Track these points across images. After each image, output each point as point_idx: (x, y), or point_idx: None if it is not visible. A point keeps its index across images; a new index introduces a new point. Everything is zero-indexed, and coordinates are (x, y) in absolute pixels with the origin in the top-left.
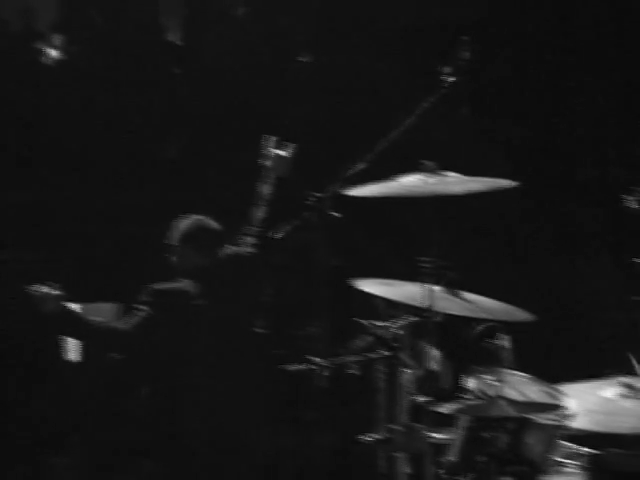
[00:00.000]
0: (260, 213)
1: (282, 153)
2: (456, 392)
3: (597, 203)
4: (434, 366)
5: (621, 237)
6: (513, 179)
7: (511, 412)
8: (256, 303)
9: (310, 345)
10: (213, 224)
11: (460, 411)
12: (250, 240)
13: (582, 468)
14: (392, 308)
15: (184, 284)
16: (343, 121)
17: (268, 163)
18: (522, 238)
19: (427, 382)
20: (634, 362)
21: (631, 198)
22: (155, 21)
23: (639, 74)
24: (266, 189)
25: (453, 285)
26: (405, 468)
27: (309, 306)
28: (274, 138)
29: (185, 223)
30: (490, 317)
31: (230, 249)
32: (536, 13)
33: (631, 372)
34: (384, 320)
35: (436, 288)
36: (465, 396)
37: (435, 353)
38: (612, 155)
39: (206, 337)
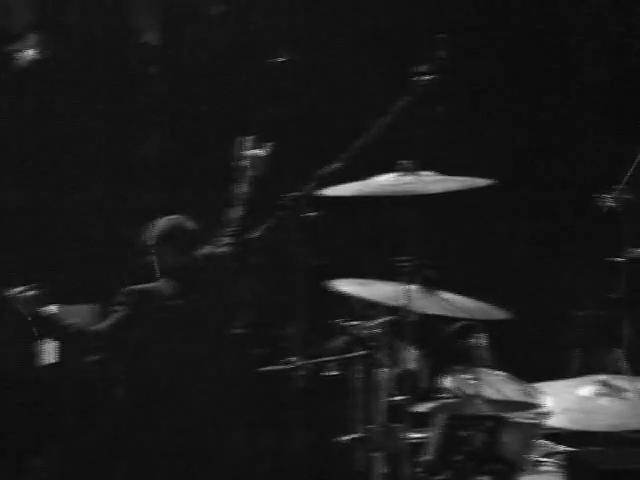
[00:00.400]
0: (237, 213)
1: (258, 153)
2: (433, 391)
3: (574, 201)
4: (411, 365)
5: (598, 235)
6: (490, 178)
7: (488, 411)
8: (234, 303)
9: (288, 345)
10: (190, 224)
11: (437, 410)
12: (227, 240)
13: (559, 466)
14: (369, 308)
15: (161, 284)
16: (320, 120)
17: (244, 163)
18: (499, 237)
19: (404, 381)
20: (618, 358)
21: (607, 196)
22: (130, 21)
23: (615, 73)
24: (243, 189)
25: (430, 284)
26: (383, 467)
27: (286, 306)
28: (250, 138)
29: (162, 223)
30: (467, 316)
31: (207, 249)
32: (513, 11)
33: (609, 370)
34: (362, 320)
35: (413, 287)
36: (442, 395)
37: (412, 352)
38: (588, 154)
39: (184, 337)
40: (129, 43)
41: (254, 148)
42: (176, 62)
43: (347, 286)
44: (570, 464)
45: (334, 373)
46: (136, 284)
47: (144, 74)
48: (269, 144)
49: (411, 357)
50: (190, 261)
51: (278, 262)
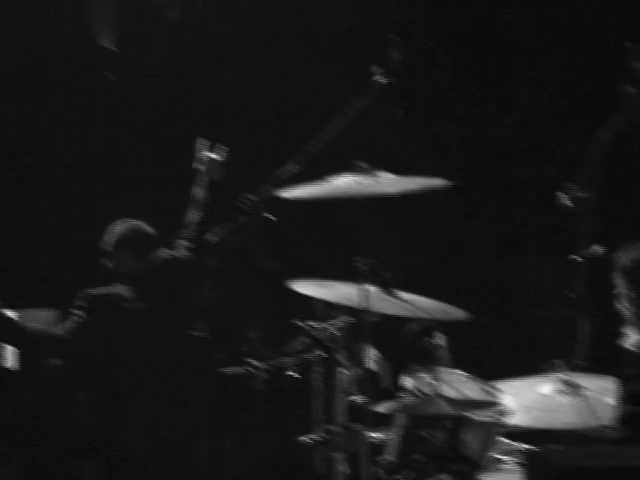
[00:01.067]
0: (195, 217)
1: (215, 156)
2: (394, 391)
3: (533, 202)
4: (372, 366)
5: (558, 235)
6: (449, 179)
7: (449, 410)
8: (193, 307)
9: (248, 348)
10: (147, 228)
11: (398, 410)
12: (185, 244)
13: (520, 465)
14: (329, 309)
15: (119, 289)
16: (277, 123)
17: (201, 167)
18: (459, 237)
19: (365, 382)
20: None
21: (565, 196)
22: (89, 27)
23: (574, 74)
24: (200, 193)
25: (388, 285)
26: (343, 468)
27: (246, 309)
28: (207, 142)
29: (119, 228)
30: (427, 316)
31: (165, 253)
32: (470, 13)
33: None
34: (322, 321)
35: (372, 288)
36: (403, 395)
37: (373, 353)
38: (547, 154)
39: (143, 341)
40: (87, 49)
41: (211, 152)
42: (134, 67)
43: (306, 288)
44: (530, 462)
45: (294, 375)
46: (94, 288)
47: (101, 79)
48: (224, 148)
49: (372, 358)
50: (148, 265)
51: (237, 265)
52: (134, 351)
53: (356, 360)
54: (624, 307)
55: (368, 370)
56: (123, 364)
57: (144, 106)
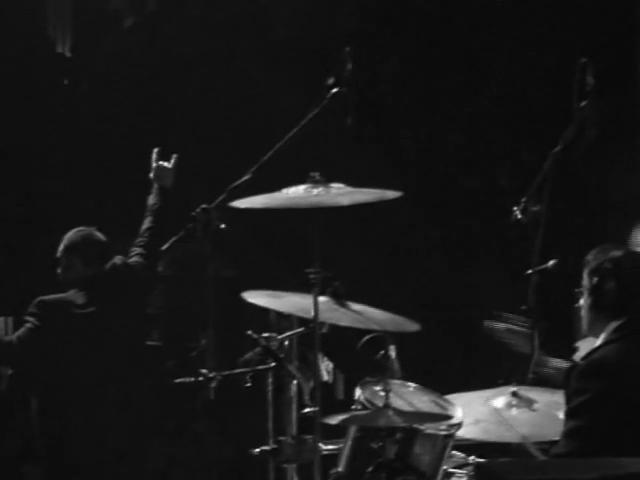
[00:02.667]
0: (146, 224)
1: (165, 164)
2: (344, 402)
3: (484, 213)
4: (322, 377)
5: (509, 247)
6: (400, 189)
7: (399, 422)
8: (144, 315)
9: (200, 357)
10: (98, 235)
11: (348, 421)
12: (137, 251)
13: (470, 477)
14: (283, 319)
15: (71, 295)
16: (229, 132)
17: (151, 174)
18: (411, 248)
19: (315, 393)
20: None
21: (517, 209)
22: (43, 32)
23: (527, 82)
24: (151, 200)
25: (340, 296)
26: (294, 479)
27: (198, 318)
28: (157, 149)
29: (70, 234)
30: (378, 327)
31: (118, 260)
32: (424, 22)
33: (522, 381)
34: (275, 332)
35: (323, 299)
36: (353, 406)
37: (326, 364)
38: (500, 165)
39: (95, 348)
40: (42, 54)
41: (161, 159)
42: (89, 73)
43: (258, 298)
44: (479, 475)
45: (246, 385)
46: (46, 295)
47: (57, 84)
48: (175, 155)
49: (322, 368)
50: (100, 272)
51: (189, 274)
52: (85, 358)
53: (307, 371)
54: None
55: (318, 381)
56: (74, 372)
57: (99, 112)
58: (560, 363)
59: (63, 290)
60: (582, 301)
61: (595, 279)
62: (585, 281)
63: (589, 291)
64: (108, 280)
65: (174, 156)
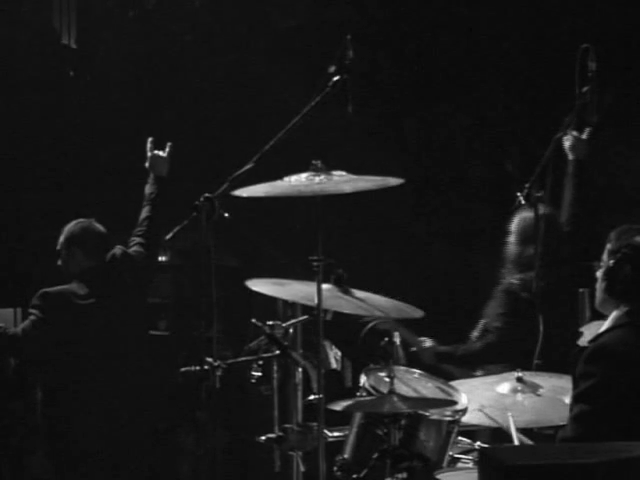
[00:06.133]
0: (144, 213)
1: (160, 153)
2: (350, 389)
3: (489, 200)
4: (331, 365)
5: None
6: (405, 177)
7: (404, 408)
8: (145, 303)
9: (205, 346)
10: (98, 226)
11: (353, 408)
12: (136, 240)
13: (476, 463)
14: (288, 308)
15: (73, 287)
16: (231, 121)
17: (147, 163)
18: (415, 235)
19: (321, 380)
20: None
21: (521, 195)
22: (49, 24)
23: (532, 73)
24: (148, 189)
25: (343, 283)
26: (300, 467)
27: (203, 307)
28: (151, 138)
29: (70, 226)
30: (382, 314)
31: (117, 250)
32: (426, 11)
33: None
34: (280, 320)
35: (327, 286)
36: (358, 393)
37: (332, 352)
38: (503, 152)
39: (97, 338)
40: (48, 46)
41: (156, 149)
42: (94, 65)
43: (262, 286)
44: (482, 460)
45: (252, 373)
46: (49, 287)
47: (63, 77)
48: (169, 144)
49: (328, 356)
50: (100, 263)
51: (193, 263)
52: (89, 349)
53: (312, 358)
54: None
55: (330, 369)
56: (78, 363)
57: (102, 103)
58: (424, 343)
59: (66, 281)
60: (598, 274)
61: (612, 261)
62: (604, 257)
63: (604, 271)
64: (109, 270)
65: (169, 144)
